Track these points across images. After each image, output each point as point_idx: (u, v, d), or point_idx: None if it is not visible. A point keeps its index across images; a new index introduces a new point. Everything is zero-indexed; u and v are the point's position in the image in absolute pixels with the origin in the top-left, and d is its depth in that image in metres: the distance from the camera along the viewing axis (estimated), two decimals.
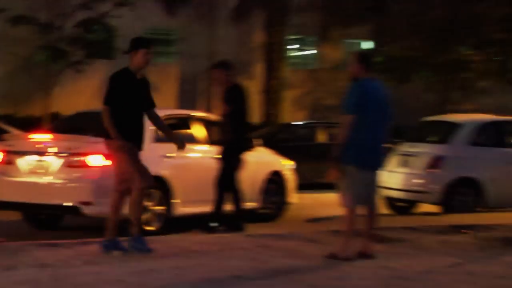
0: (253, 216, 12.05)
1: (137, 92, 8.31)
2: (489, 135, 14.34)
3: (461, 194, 13.66)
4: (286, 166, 12.81)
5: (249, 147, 10.96)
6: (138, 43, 8.34)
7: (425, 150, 13.97)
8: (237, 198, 10.56)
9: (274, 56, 24.70)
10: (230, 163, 10.46)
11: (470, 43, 25.03)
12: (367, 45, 27.55)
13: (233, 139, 10.43)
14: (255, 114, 24.41)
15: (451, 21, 23.82)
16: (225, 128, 10.65)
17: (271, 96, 25.07)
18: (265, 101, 25.05)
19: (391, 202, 14.26)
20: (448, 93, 25.15)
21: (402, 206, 14.43)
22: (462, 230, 10.84)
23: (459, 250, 9.32)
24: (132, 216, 8.24)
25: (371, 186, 8.36)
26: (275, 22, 23.94)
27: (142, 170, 8.24)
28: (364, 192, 8.25)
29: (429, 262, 8.46)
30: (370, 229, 8.44)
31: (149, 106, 8.49)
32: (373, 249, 8.48)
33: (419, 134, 15.13)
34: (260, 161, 12.06)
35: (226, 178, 10.47)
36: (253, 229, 10.58)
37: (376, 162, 8.40)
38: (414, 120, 16.80)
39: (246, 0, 23.86)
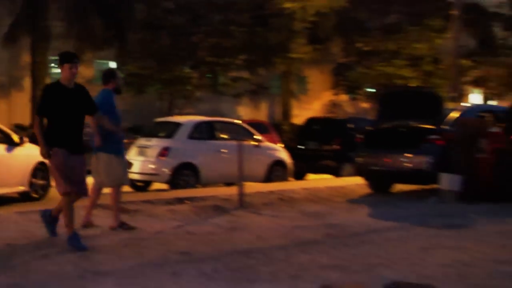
0: (25, 197, 11.60)
1: (69, 101, 7.07)
2: (202, 131, 14.69)
3: (184, 175, 13.91)
4: None
5: None
6: (63, 58, 7.20)
7: (156, 143, 14.09)
8: None
9: (39, 73, 23.71)
10: None
11: (189, 63, 25.54)
12: (113, 64, 27.21)
13: None
14: (26, 118, 23.46)
15: (175, 47, 24.18)
16: None
17: (37, 104, 24.19)
18: (32, 108, 24.08)
19: (132, 182, 14.26)
20: (174, 101, 25.53)
21: (140, 185, 14.48)
22: (185, 201, 11.11)
23: (182, 216, 9.54)
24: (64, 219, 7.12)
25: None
26: (39, 45, 23.02)
27: (62, 177, 6.97)
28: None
29: (160, 226, 8.61)
30: (113, 203, 8.39)
31: (90, 111, 7.37)
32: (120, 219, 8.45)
33: (153, 131, 15.19)
34: (29, 153, 11.58)
35: None
36: (24, 207, 10.18)
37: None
38: (149, 121, 16.89)
39: (15, 27, 22.74)
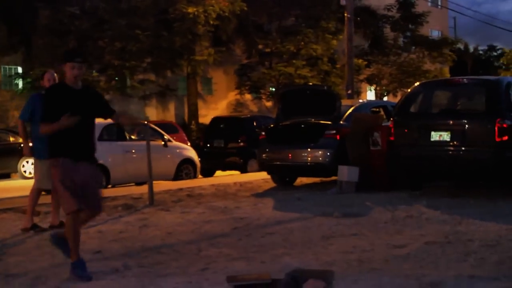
0: None
1: (77, 104, 5.83)
2: (111, 133, 14.42)
3: None
4: None
5: None
6: (65, 57, 6.00)
7: None
8: None
9: None
10: None
11: (96, 67, 25.04)
12: (19, 69, 26.35)
13: None
14: None
15: (81, 51, 23.63)
16: None
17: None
18: None
19: None
20: None
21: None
22: None
23: None
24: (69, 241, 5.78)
25: None
26: None
27: (66, 193, 5.66)
28: None
29: None
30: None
31: (106, 114, 6.22)
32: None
33: None
34: None
35: None
36: None
37: None
38: None
39: None
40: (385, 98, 34.83)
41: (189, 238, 7.46)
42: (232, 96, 33.74)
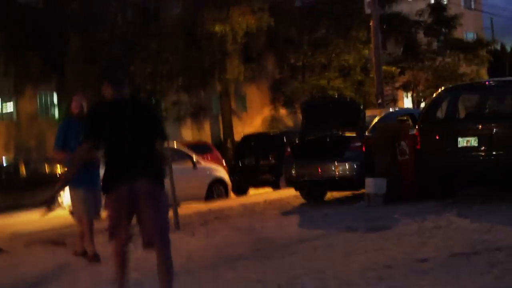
0: None
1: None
2: None
3: None
4: None
5: None
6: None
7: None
8: None
9: None
10: None
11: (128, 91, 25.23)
12: (54, 96, 26.83)
13: None
14: None
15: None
16: None
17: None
18: None
19: None
20: None
21: None
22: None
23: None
24: None
25: None
26: None
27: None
28: None
29: None
30: None
31: None
32: None
33: None
34: None
35: None
36: None
37: None
38: None
39: None
40: (423, 104, 34.27)
41: (209, 263, 7.33)
42: (267, 111, 33.63)
